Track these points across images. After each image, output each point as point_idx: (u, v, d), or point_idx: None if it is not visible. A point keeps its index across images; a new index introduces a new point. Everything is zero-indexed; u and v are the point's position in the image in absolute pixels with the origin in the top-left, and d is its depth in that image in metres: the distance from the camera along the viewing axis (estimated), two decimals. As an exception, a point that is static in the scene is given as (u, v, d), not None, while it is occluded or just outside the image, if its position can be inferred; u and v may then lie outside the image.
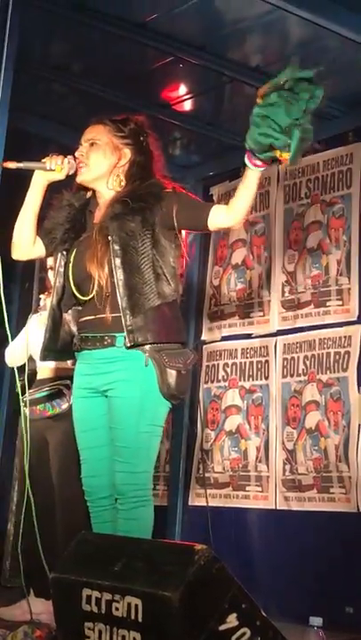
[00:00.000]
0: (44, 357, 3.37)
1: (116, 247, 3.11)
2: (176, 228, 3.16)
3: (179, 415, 5.66)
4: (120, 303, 3.08)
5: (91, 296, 3.16)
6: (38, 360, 4.02)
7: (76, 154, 3.26)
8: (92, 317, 3.18)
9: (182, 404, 5.54)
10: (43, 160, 3.21)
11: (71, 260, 3.25)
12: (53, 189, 3.32)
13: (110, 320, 3.11)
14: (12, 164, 3.16)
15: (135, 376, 3.11)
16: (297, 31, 4.32)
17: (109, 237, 3.13)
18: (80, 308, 3.26)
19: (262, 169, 3.05)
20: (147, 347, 3.09)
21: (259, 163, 3.02)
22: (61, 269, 3.28)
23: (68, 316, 3.30)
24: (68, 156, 3.23)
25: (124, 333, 3.09)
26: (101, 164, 3.26)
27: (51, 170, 3.20)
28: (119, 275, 3.09)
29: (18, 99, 3.57)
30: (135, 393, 3.10)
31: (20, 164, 3.19)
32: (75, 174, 3.24)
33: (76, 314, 3.28)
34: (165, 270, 3.14)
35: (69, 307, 3.29)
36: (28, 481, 3.38)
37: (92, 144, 3.28)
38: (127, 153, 3.27)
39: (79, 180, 3.27)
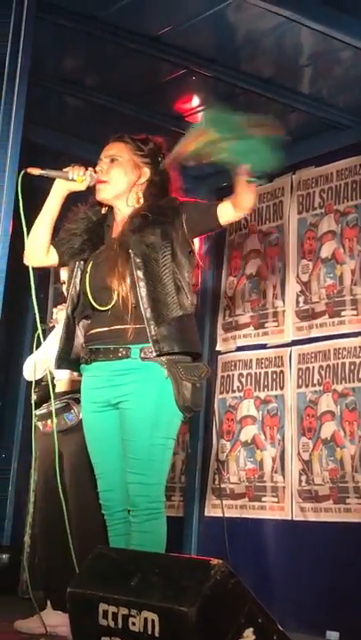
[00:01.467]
0: (59, 366, 3.38)
1: (138, 260, 3.14)
2: (188, 236, 3.19)
3: (194, 426, 5.67)
4: (144, 314, 3.10)
5: (109, 307, 3.17)
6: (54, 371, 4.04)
7: (97, 169, 3.28)
8: (106, 329, 3.18)
9: (197, 415, 5.55)
10: (65, 169, 3.24)
11: (88, 270, 3.26)
12: (69, 202, 3.35)
13: (132, 331, 3.13)
14: (35, 171, 3.19)
15: (150, 388, 3.12)
16: (309, 43, 4.33)
17: (130, 251, 3.15)
18: (89, 320, 3.27)
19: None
20: (164, 359, 3.11)
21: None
22: (77, 279, 3.29)
23: (81, 328, 3.31)
24: (90, 168, 3.25)
25: (141, 345, 3.10)
26: (122, 180, 3.28)
27: (72, 180, 3.22)
28: (142, 286, 3.12)
29: (32, 111, 3.59)
30: (150, 405, 3.11)
31: (43, 172, 3.21)
32: (94, 187, 3.26)
33: (84, 326, 3.29)
34: (183, 283, 3.17)
35: (82, 317, 3.30)
36: (34, 495, 3.37)
37: (112, 160, 3.30)
38: (147, 172, 3.30)
39: (99, 197, 3.30)
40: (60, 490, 3.38)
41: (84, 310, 3.28)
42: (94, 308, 3.23)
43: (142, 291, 3.11)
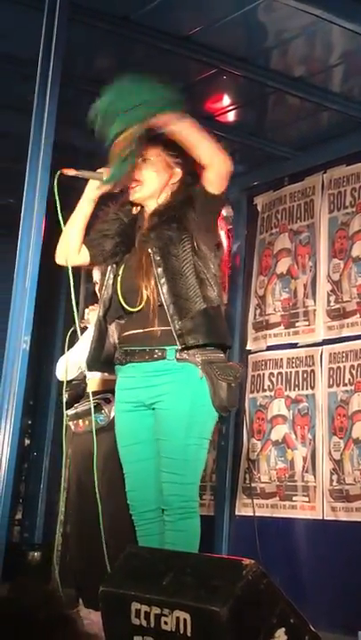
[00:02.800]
0: (90, 368, 3.41)
1: (158, 257, 3.15)
2: (201, 221, 3.19)
3: (225, 425, 5.66)
4: (167, 310, 3.11)
5: (139, 308, 3.18)
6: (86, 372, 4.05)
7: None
8: (140, 331, 3.20)
9: (228, 415, 5.54)
10: (99, 170, 3.26)
11: (120, 273, 3.28)
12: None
13: (160, 333, 3.14)
14: (70, 171, 3.21)
15: (185, 389, 3.13)
16: (340, 42, 4.31)
17: (149, 249, 3.16)
18: (122, 322, 3.28)
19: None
20: (198, 359, 3.12)
21: None
22: (110, 282, 3.31)
23: (113, 330, 3.32)
24: None
25: (175, 346, 3.12)
26: (154, 181, 3.30)
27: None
28: (163, 283, 3.13)
29: (63, 112, 3.61)
30: (185, 405, 3.12)
31: (78, 172, 3.24)
32: (127, 188, 3.28)
33: (118, 328, 3.30)
34: (208, 275, 3.17)
35: (114, 319, 3.31)
36: (65, 494, 3.38)
37: (144, 161, 3.31)
38: (178, 172, 3.30)
39: (132, 198, 3.31)
40: (91, 490, 3.40)
41: (116, 312, 3.30)
42: (125, 310, 3.24)
43: (164, 288, 3.13)
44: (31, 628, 1.50)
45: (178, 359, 3.12)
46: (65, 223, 3.24)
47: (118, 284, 3.27)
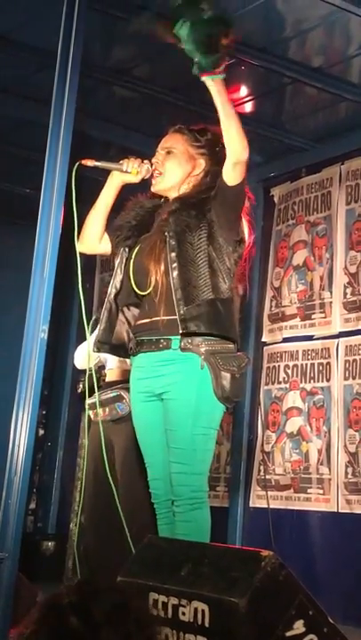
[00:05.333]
0: (98, 349, 3.41)
1: (173, 242, 3.16)
2: (221, 212, 3.16)
3: (239, 416, 5.66)
4: (174, 295, 3.12)
5: (148, 291, 3.19)
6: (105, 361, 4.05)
7: (153, 160, 3.32)
8: (148, 320, 3.22)
9: (242, 406, 5.54)
10: (120, 162, 3.26)
11: (133, 256, 3.30)
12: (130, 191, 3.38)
13: (166, 322, 3.14)
14: (89, 162, 3.22)
15: (190, 379, 3.13)
16: (359, 32, 4.28)
17: (166, 233, 3.16)
18: (137, 311, 3.29)
19: (209, 77, 3.05)
20: (202, 349, 3.11)
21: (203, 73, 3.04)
22: (122, 265, 3.32)
23: (125, 314, 3.32)
24: (145, 161, 3.27)
25: (180, 337, 3.11)
26: (176, 172, 3.31)
27: (127, 172, 3.25)
28: (175, 268, 3.13)
29: (81, 102, 3.60)
30: (191, 395, 3.12)
31: (98, 163, 3.25)
32: (150, 179, 3.29)
33: (132, 317, 3.30)
34: (222, 267, 3.16)
35: (126, 303, 3.32)
36: (80, 483, 3.38)
37: (168, 152, 3.32)
38: (202, 163, 3.31)
39: (154, 189, 3.34)
40: (111, 479, 3.40)
41: (128, 296, 3.30)
42: (136, 293, 3.25)
43: (174, 273, 3.13)
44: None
45: (182, 349, 3.13)
46: (81, 215, 3.24)
47: (131, 267, 3.29)
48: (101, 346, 3.37)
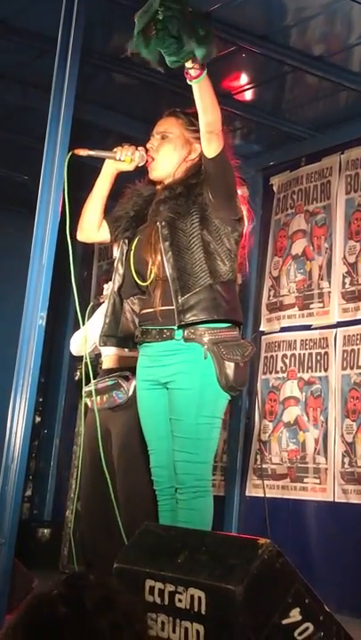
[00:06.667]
0: (104, 343, 3.41)
1: (165, 232, 3.15)
2: (211, 192, 3.13)
3: (236, 406, 5.66)
4: (171, 286, 3.11)
5: (149, 281, 3.19)
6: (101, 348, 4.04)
7: (147, 146, 3.29)
8: (151, 310, 3.22)
9: (239, 395, 5.54)
10: (114, 150, 3.24)
11: (132, 247, 3.29)
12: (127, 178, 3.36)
13: (166, 312, 3.14)
14: (83, 152, 3.20)
15: (194, 368, 3.13)
16: (360, 20, 4.26)
17: (157, 223, 3.15)
18: (141, 299, 3.28)
19: (194, 78, 3.02)
20: (205, 339, 3.11)
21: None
22: (123, 257, 3.31)
23: (131, 305, 3.32)
24: (139, 148, 3.25)
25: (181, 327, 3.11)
26: (171, 157, 3.28)
27: (120, 160, 3.23)
28: (168, 257, 3.12)
29: (80, 89, 3.58)
30: (194, 385, 3.12)
31: (91, 152, 3.23)
32: (145, 166, 3.27)
33: (137, 306, 3.30)
34: (220, 249, 3.14)
35: (130, 294, 3.31)
36: (77, 471, 3.38)
37: (163, 137, 3.30)
38: (198, 147, 3.26)
39: (151, 176, 3.33)
40: (106, 467, 3.40)
41: (132, 288, 3.30)
42: (138, 284, 3.24)
43: (169, 262, 3.12)
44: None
45: (185, 339, 3.12)
46: (74, 204, 3.22)
47: (131, 259, 3.28)
48: (107, 339, 3.37)
